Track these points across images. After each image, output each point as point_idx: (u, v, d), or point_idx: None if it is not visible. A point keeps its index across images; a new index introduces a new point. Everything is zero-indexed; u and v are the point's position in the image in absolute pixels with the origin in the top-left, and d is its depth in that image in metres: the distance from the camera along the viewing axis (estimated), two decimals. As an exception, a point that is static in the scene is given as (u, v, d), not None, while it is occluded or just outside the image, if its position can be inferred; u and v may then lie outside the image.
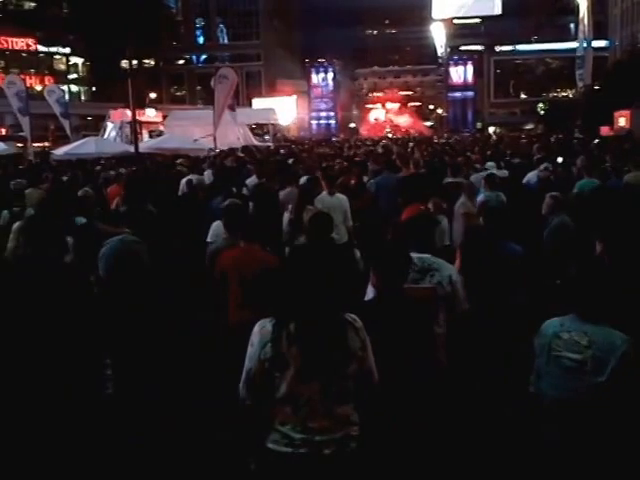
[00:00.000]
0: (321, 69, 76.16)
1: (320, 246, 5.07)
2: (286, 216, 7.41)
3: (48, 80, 55.84)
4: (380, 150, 21.96)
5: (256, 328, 2.85)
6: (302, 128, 66.35)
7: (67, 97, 36.57)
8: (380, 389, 2.97)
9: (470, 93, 73.57)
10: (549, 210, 6.76)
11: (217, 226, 6.36)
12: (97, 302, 3.29)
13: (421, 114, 79.65)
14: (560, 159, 12.94)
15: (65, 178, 11.80)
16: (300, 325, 2.75)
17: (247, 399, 2.88)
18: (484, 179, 8.68)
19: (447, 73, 75.02)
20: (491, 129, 67.64)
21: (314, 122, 75.00)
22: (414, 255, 3.93)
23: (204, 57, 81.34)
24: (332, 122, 76.37)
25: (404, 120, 76.61)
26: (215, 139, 22.44)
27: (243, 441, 2.95)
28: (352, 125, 78.17)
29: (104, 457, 3.33)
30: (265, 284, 4.96)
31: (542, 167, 10.05)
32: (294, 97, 62.47)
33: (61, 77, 65.76)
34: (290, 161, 16.43)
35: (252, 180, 10.70)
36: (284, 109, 52.76)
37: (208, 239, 6.36)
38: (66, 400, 3.36)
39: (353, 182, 10.10)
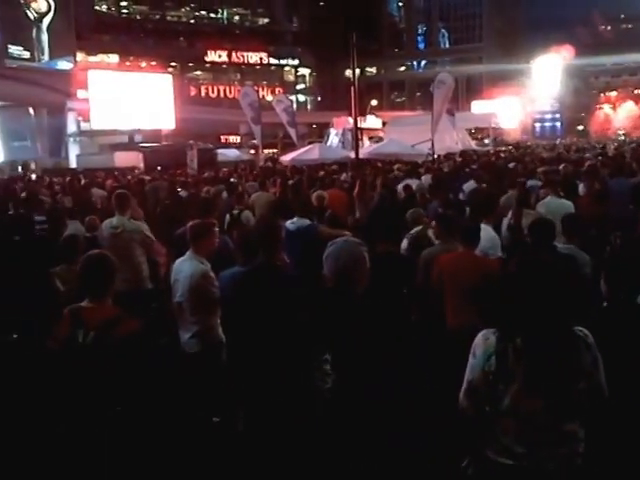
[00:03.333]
0: (547, 69, 72.58)
1: (542, 255, 4.80)
2: (505, 221, 7.14)
3: (278, 91, 59.83)
4: (611, 153, 20.39)
5: (479, 338, 2.78)
6: (525, 131, 63.72)
7: (294, 106, 38.87)
8: (609, 405, 2.78)
9: None
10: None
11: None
12: (319, 299, 3.40)
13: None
14: None
15: (291, 182, 12.48)
16: (528, 340, 2.64)
17: (468, 408, 2.84)
18: None
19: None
20: None
21: (537, 125, 71.68)
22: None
23: (424, 63, 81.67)
24: (557, 124, 72.46)
25: (640, 121, 70.28)
26: (433, 144, 22.38)
27: (462, 447, 2.90)
28: (580, 127, 73.45)
29: (319, 450, 3.42)
30: (486, 289, 4.83)
31: None
32: (516, 99, 60.22)
33: (290, 87, 70.11)
34: (511, 165, 15.86)
35: (470, 185, 10.49)
36: (505, 112, 51.11)
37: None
38: (285, 392, 3.52)
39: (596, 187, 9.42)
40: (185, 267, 5.12)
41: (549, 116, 73.06)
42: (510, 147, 36.18)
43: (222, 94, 65.96)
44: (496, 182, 10.22)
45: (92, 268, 3.76)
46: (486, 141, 41.80)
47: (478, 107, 56.66)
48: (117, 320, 3.54)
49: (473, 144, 32.76)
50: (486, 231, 6.10)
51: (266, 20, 73.80)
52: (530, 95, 65.39)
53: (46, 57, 53.53)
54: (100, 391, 3.35)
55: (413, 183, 10.82)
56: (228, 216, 8.54)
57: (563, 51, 69.22)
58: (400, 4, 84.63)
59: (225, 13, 71.99)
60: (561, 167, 12.50)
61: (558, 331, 2.66)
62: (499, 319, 2.76)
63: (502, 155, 24.41)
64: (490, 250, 5.93)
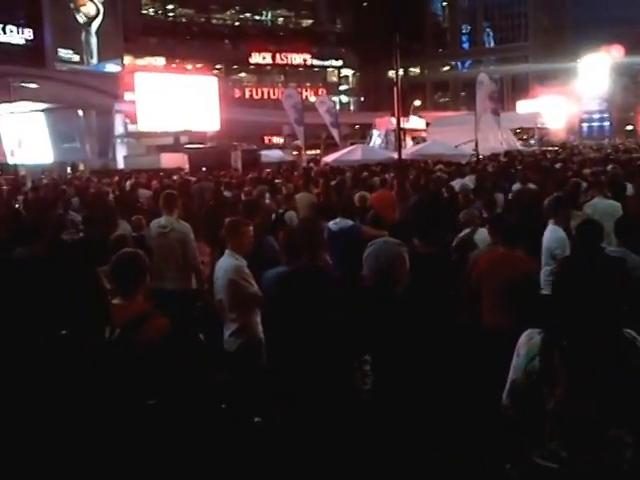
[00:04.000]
0: (594, 68, 71.09)
1: (590, 256, 4.72)
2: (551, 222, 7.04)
3: (321, 92, 59.85)
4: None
5: (523, 338, 2.75)
6: (571, 131, 62.49)
7: (337, 107, 38.89)
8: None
9: None
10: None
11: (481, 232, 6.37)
12: (359, 299, 3.41)
13: None
14: None
15: (333, 183, 12.49)
16: (575, 342, 2.59)
17: (510, 409, 2.81)
18: None
19: None
20: None
21: (585, 125, 70.29)
22: None
23: (469, 62, 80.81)
24: (606, 124, 70.92)
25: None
26: (477, 144, 22.13)
27: (505, 449, 2.87)
28: (629, 127, 71.68)
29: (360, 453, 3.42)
30: (522, 290, 4.79)
31: None
32: (563, 99, 59.13)
33: (333, 88, 70.12)
34: (557, 166, 15.61)
35: (516, 186, 10.36)
36: (551, 111, 50.22)
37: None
38: (324, 392, 3.53)
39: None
40: (223, 264, 5.21)
41: (597, 116, 71.61)
42: (556, 147, 35.54)
43: (266, 96, 66.35)
44: (542, 183, 10.08)
45: (122, 266, 3.88)
46: (531, 141, 41.17)
47: (523, 107, 55.85)
48: (144, 317, 3.60)
49: (518, 144, 32.27)
50: (554, 231, 6.09)
51: (310, 21, 73.99)
52: (577, 94, 64.14)
53: (95, 60, 54.67)
54: (126, 387, 3.40)
55: (457, 184, 10.74)
56: (273, 216, 8.61)
57: (612, 50, 67.72)
58: (444, 4, 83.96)
59: (269, 15, 72.44)
60: (609, 168, 12.26)
61: (606, 333, 2.61)
62: (544, 320, 2.72)
63: (548, 156, 24.03)
64: (557, 250, 5.91)
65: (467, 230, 6.78)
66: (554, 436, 2.65)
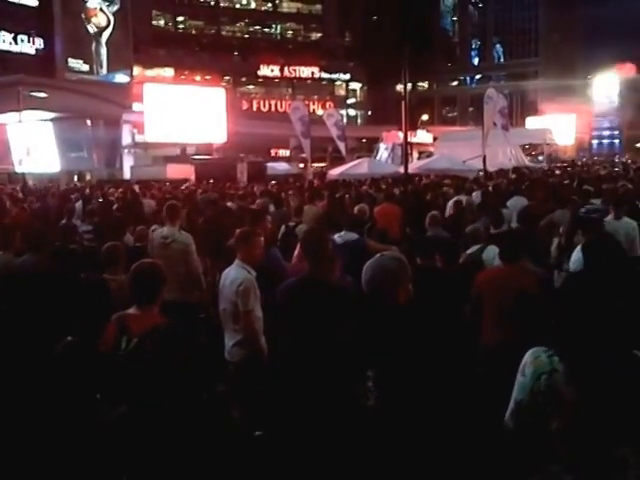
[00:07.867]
0: (605, 84, 71.11)
1: (598, 275, 4.64)
2: (555, 240, 6.96)
3: (329, 105, 59.87)
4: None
5: (529, 357, 2.67)
6: (581, 148, 62.39)
7: (344, 120, 38.92)
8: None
9: None
10: None
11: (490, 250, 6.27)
12: (355, 312, 3.36)
13: None
14: None
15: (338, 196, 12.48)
16: (582, 361, 2.52)
17: (514, 430, 2.72)
18: None
19: None
20: None
21: (595, 142, 70.22)
22: None
23: (478, 77, 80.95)
24: (616, 141, 70.75)
25: None
26: (484, 160, 22.05)
27: (506, 471, 2.80)
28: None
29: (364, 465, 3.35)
30: (522, 307, 4.72)
31: None
32: (573, 115, 59.07)
33: (340, 102, 70.31)
34: (566, 182, 15.56)
35: (514, 201, 10.24)
36: (561, 128, 50.16)
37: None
38: (326, 407, 3.46)
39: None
40: (231, 274, 5.13)
41: (607, 133, 71.46)
42: (565, 164, 35.42)
43: (273, 108, 66.60)
44: (545, 199, 10.00)
45: (142, 276, 3.83)
46: (540, 158, 41.05)
47: (532, 123, 55.81)
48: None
49: (527, 161, 32.14)
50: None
51: (318, 35, 74.36)
52: (587, 111, 64.08)
53: (104, 70, 55.09)
54: (138, 395, 3.35)
55: (464, 199, 10.69)
56: (283, 227, 8.55)
57: (624, 67, 67.77)
58: (454, 18, 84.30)
59: (279, 28, 72.88)
60: (620, 185, 12.20)
61: (614, 352, 2.53)
62: (550, 338, 2.66)
63: (557, 172, 23.95)
64: None
65: (476, 247, 6.63)
66: (557, 458, 2.56)
